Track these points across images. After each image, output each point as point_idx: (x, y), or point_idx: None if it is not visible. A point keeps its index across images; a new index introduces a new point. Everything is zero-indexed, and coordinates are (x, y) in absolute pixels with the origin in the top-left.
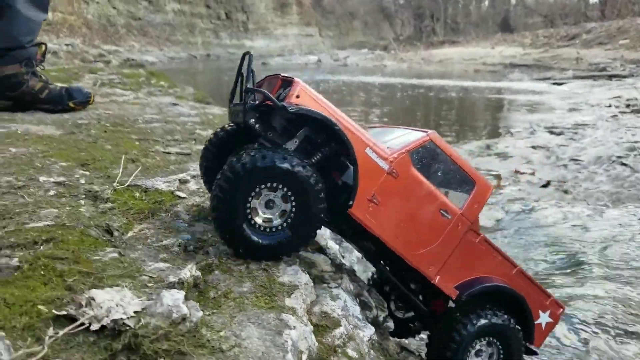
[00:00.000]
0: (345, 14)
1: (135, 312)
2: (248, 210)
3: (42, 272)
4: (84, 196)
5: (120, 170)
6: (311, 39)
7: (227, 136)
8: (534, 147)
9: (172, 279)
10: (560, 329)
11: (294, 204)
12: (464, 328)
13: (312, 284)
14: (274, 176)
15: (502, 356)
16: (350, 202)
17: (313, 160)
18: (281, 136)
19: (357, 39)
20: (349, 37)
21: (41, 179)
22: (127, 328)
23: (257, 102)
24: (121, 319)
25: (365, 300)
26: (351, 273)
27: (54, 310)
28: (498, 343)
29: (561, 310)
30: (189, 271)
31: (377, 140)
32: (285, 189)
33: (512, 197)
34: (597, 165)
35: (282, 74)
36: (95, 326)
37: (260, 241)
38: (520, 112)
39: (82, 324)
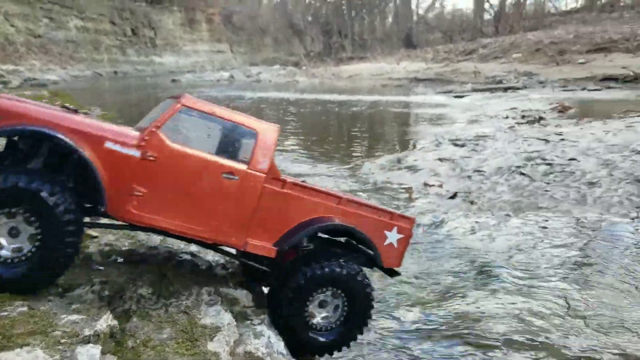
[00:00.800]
0: (256, 30)
1: None
2: None
3: None
4: None
5: None
6: (223, 55)
7: None
8: (440, 160)
9: (87, 332)
10: (470, 347)
11: (38, 228)
12: (294, 282)
13: (235, 322)
14: (12, 198)
15: (347, 303)
16: (101, 208)
17: (64, 177)
18: (28, 160)
19: (268, 55)
20: (260, 53)
21: None
22: None
23: None
24: None
25: None
26: None
27: None
28: (339, 290)
29: (410, 221)
30: (105, 321)
31: (143, 124)
32: (25, 213)
33: (423, 209)
34: (499, 176)
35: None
36: None
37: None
38: (426, 125)
39: None
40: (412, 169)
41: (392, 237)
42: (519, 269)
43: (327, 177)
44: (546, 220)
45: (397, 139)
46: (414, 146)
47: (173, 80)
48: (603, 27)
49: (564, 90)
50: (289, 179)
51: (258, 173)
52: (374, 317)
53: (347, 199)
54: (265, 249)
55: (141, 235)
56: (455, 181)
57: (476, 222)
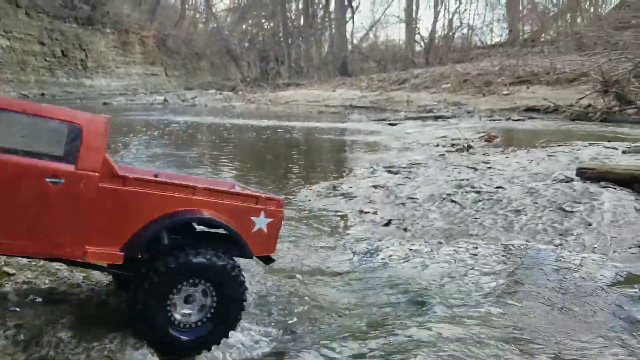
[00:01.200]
0: (192, 54)
1: None
2: None
3: None
4: None
5: None
6: (157, 79)
7: None
8: (375, 187)
9: None
10: None
11: None
12: (153, 275)
13: None
14: None
15: (215, 298)
16: None
17: None
18: None
19: (204, 79)
20: (196, 78)
21: None
22: None
23: None
24: None
25: None
26: None
27: None
28: (207, 283)
29: (278, 202)
30: None
31: None
32: None
33: (359, 237)
34: (431, 203)
35: None
36: None
37: None
38: (361, 151)
39: None
40: (348, 195)
41: (261, 222)
42: (451, 297)
43: None
44: (476, 248)
45: (333, 165)
46: (350, 173)
47: (104, 103)
48: (525, 60)
49: (490, 120)
50: (131, 175)
51: (88, 172)
52: (308, 351)
53: (203, 188)
54: (110, 256)
55: (64, 272)
56: (389, 208)
57: (410, 249)
